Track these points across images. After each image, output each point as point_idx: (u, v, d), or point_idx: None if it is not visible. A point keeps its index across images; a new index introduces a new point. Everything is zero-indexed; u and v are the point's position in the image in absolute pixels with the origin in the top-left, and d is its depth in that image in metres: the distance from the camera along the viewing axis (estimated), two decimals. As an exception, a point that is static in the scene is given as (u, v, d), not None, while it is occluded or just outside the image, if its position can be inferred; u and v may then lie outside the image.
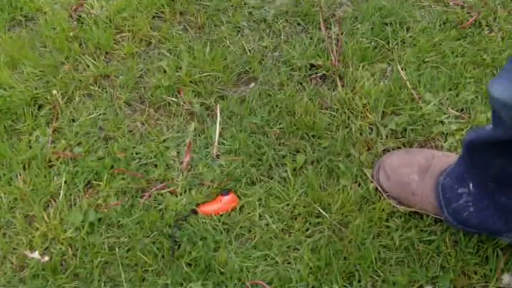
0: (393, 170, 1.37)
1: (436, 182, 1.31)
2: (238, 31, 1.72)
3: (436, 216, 1.33)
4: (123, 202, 1.39)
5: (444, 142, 1.46)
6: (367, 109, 1.52)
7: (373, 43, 1.66)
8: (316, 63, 1.61)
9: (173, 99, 1.57)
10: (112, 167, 1.44)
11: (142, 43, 1.71)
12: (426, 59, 1.61)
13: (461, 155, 1.27)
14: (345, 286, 1.26)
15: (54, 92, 1.58)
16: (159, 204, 1.38)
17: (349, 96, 1.54)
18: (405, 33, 1.68)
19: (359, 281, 1.27)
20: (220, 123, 1.51)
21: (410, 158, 1.39)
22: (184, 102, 1.56)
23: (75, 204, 1.40)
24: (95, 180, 1.43)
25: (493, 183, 1.19)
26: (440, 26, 1.69)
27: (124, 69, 1.64)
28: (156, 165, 1.45)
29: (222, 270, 1.28)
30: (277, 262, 1.30)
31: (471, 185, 1.24)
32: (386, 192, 1.37)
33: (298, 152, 1.46)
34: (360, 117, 1.51)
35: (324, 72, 1.60)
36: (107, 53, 1.69)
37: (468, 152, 1.21)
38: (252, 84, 1.59)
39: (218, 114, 1.53)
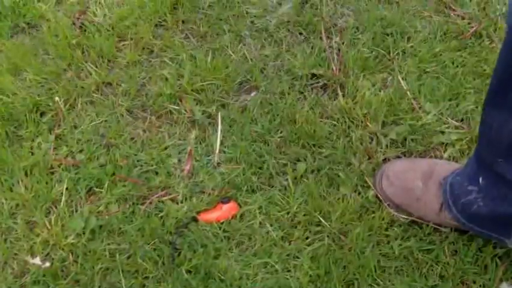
0: (397, 176, 1.37)
1: (441, 185, 1.32)
2: (240, 40, 1.73)
3: (435, 226, 1.33)
4: (124, 209, 1.39)
5: (444, 152, 1.47)
6: (367, 118, 1.52)
7: (374, 53, 1.67)
8: (318, 73, 1.62)
9: (175, 107, 1.57)
10: (113, 174, 1.45)
11: (145, 51, 1.72)
12: (427, 69, 1.62)
13: (471, 157, 1.27)
14: (345, 294, 1.27)
15: (57, 98, 1.59)
16: (160, 211, 1.39)
17: (349, 105, 1.55)
18: (406, 44, 1.69)
19: (358, 290, 1.28)
20: (221, 131, 1.52)
21: (413, 165, 1.39)
22: (185, 110, 1.56)
23: (76, 210, 1.40)
24: (97, 187, 1.44)
25: (504, 158, 1.15)
26: (440, 36, 1.70)
27: (126, 77, 1.64)
28: (157, 173, 1.46)
29: (222, 277, 1.29)
30: (277, 270, 1.30)
31: (481, 179, 1.22)
32: (389, 199, 1.37)
33: (298, 160, 1.47)
34: (360, 126, 1.52)
35: (325, 81, 1.61)
36: (109, 60, 1.70)
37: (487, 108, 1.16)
38: (254, 93, 1.60)
39: (219, 123, 1.53)
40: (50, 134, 1.54)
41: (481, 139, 1.21)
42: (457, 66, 1.63)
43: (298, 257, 1.32)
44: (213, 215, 1.37)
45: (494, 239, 1.28)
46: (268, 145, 1.49)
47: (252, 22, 1.77)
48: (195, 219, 1.37)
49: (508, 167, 1.15)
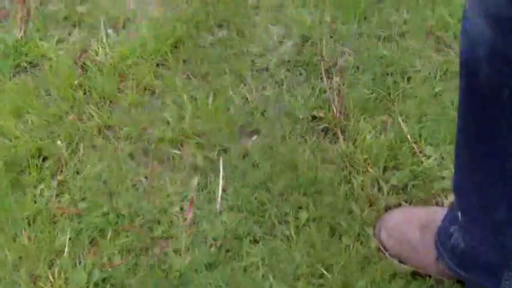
0: (394, 228, 1.38)
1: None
2: (241, 80, 1.74)
3: (438, 277, 1.34)
4: (128, 261, 1.40)
5: (445, 198, 1.48)
6: (368, 163, 1.53)
7: (374, 94, 1.68)
8: (318, 115, 1.63)
9: (176, 151, 1.58)
10: (116, 223, 1.46)
11: (146, 92, 1.73)
12: (427, 111, 1.63)
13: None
14: None
15: (59, 143, 1.60)
16: (163, 263, 1.39)
17: (350, 149, 1.56)
18: (406, 85, 1.69)
19: None
20: (223, 178, 1.53)
21: (411, 215, 1.40)
22: (187, 155, 1.57)
23: (79, 262, 1.40)
24: (99, 237, 1.44)
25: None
26: (440, 76, 1.71)
27: (128, 120, 1.65)
28: (159, 222, 1.46)
29: (226, 332, 1.30)
30: (280, 324, 1.31)
31: (460, 214, 1.21)
32: (389, 251, 1.38)
33: (300, 208, 1.47)
34: (361, 171, 1.52)
35: (326, 124, 1.62)
36: (111, 101, 1.71)
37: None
38: (255, 137, 1.61)
39: (221, 169, 1.54)
40: (53, 179, 1.54)
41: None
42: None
43: (301, 310, 1.33)
44: None
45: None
46: (270, 192, 1.49)
47: (252, 61, 1.78)
48: None
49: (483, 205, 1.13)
